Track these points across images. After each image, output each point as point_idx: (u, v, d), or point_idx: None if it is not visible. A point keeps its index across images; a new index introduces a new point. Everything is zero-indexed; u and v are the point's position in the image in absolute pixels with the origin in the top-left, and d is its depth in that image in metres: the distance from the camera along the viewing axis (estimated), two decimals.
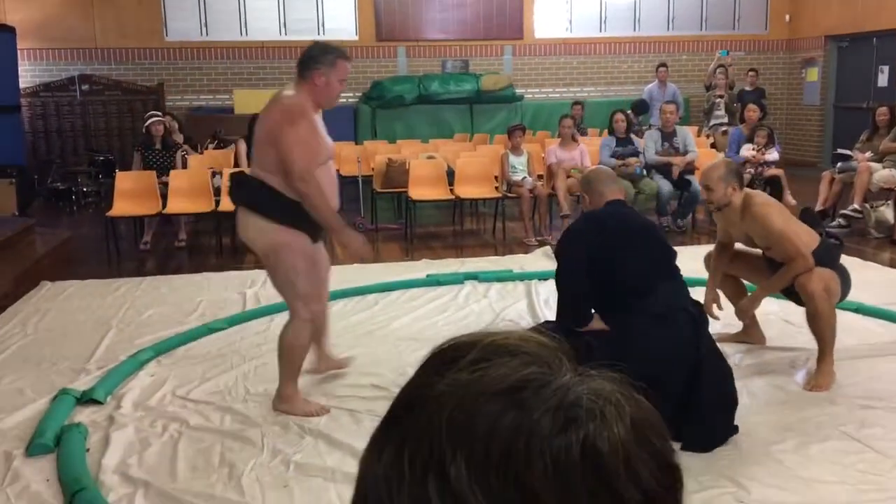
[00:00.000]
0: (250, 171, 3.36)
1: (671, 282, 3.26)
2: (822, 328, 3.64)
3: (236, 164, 7.81)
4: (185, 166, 7.79)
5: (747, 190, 3.90)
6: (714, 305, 3.98)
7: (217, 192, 7.25)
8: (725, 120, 10.35)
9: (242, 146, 7.76)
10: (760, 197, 3.88)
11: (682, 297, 3.27)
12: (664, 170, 7.70)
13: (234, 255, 6.99)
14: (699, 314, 3.28)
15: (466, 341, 0.57)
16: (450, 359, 0.55)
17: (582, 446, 0.50)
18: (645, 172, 7.72)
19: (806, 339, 4.18)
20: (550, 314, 4.91)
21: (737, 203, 3.77)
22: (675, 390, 3.02)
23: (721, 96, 10.53)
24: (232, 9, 11.82)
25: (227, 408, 3.55)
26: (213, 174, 7.52)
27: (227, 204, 7.10)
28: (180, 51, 11.76)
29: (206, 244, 7.52)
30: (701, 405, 3.03)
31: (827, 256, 3.71)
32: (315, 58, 3.18)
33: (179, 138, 8.60)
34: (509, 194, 7.56)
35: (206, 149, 9.28)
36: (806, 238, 3.69)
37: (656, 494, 0.51)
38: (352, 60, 3.35)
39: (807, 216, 4.04)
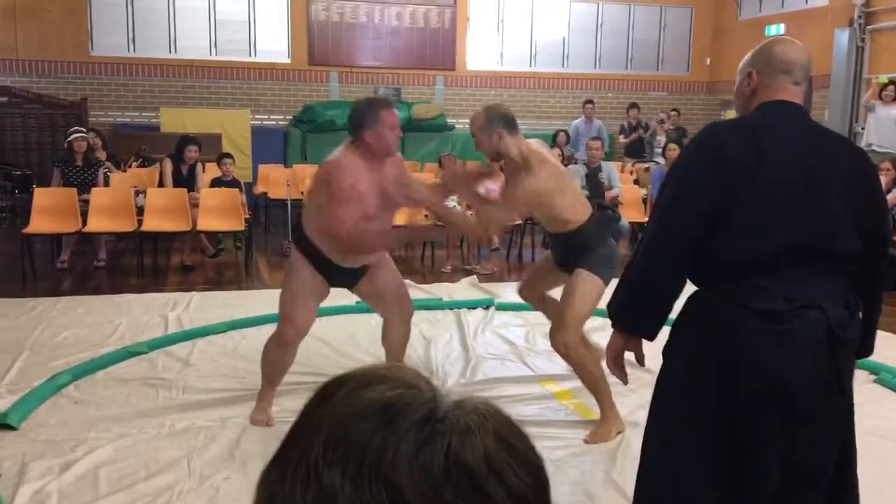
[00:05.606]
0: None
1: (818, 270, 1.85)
2: (583, 378, 3.46)
3: (161, 184, 7.65)
4: (107, 184, 7.59)
5: (531, 142, 3.45)
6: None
7: (140, 211, 7.08)
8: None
9: (168, 165, 7.60)
10: (540, 154, 3.38)
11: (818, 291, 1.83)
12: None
13: (155, 277, 6.81)
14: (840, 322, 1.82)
15: (346, 375, 0.62)
16: (332, 392, 0.60)
17: (445, 454, 0.55)
18: None
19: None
20: (479, 344, 4.95)
21: (515, 152, 3.35)
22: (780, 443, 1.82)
23: (666, 131, 10.88)
24: (161, 26, 11.63)
25: (150, 432, 3.46)
26: (137, 193, 7.34)
27: (150, 223, 6.98)
28: (106, 66, 11.48)
29: (126, 264, 7.32)
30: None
31: (596, 229, 3.46)
32: (360, 117, 3.30)
33: (102, 155, 8.38)
34: (438, 223, 7.60)
35: (130, 167, 9.07)
36: (573, 206, 3.41)
37: (524, 492, 0.56)
38: (393, 108, 3.47)
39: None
